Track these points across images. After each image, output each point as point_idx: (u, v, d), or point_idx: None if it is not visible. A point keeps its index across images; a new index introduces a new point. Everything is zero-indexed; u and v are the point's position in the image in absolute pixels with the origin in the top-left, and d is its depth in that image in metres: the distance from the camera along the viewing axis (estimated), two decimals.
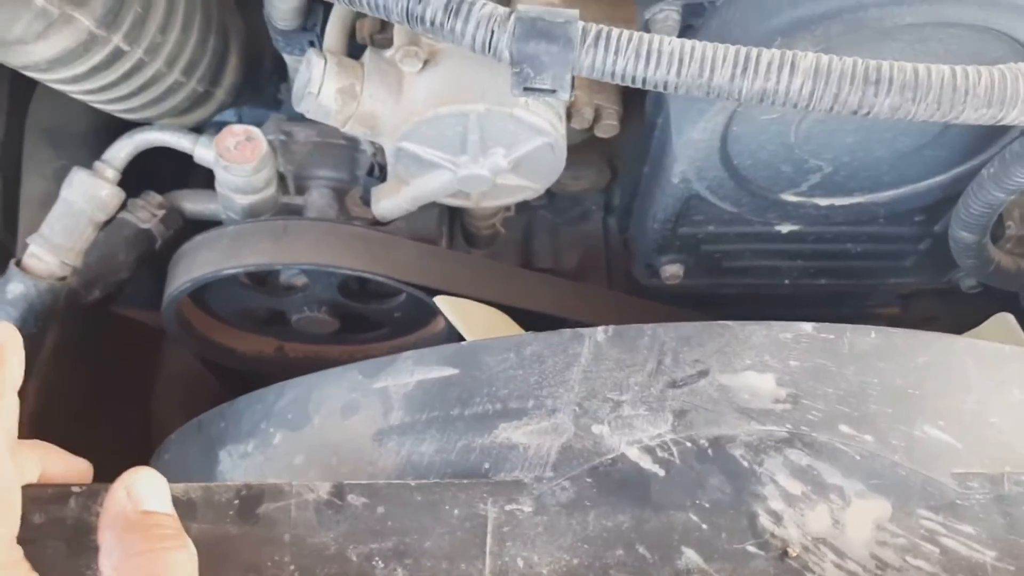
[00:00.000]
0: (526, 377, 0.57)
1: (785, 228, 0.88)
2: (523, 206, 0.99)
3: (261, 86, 0.94)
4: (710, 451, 0.53)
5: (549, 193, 1.01)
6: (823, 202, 0.84)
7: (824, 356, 0.57)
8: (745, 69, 0.55)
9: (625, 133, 0.88)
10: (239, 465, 0.64)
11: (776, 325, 0.58)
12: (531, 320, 0.88)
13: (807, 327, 0.58)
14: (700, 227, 0.88)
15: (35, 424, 0.93)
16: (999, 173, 0.72)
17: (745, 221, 0.86)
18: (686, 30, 0.70)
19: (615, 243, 1.06)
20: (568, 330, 0.58)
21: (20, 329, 0.76)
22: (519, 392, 0.56)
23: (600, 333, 0.58)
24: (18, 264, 0.77)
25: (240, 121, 0.98)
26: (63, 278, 0.78)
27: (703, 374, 0.56)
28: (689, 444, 0.53)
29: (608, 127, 0.82)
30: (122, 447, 1.14)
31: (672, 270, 0.93)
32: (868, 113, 0.55)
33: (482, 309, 0.71)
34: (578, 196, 1.03)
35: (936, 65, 0.54)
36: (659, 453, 0.53)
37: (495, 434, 0.55)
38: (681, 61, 0.55)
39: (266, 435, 0.63)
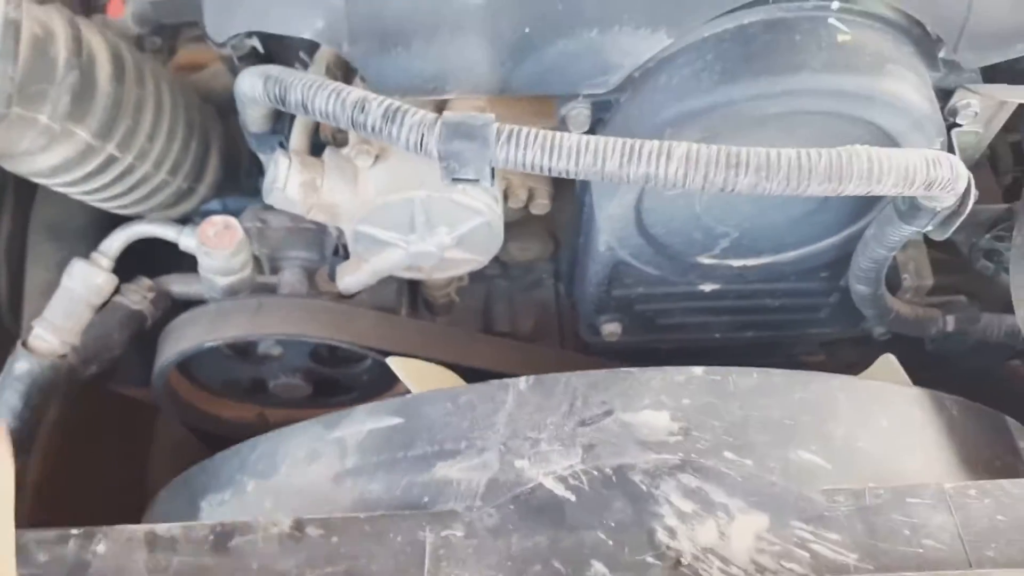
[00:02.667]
0: (460, 422, 0.67)
1: (707, 287, 0.99)
2: (480, 276, 1.10)
3: (240, 180, 1.06)
4: (614, 478, 0.62)
5: (502, 264, 1.12)
6: (736, 263, 0.95)
7: (712, 394, 0.67)
8: (631, 158, 0.66)
9: (563, 208, 1.00)
10: (216, 512, 0.73)
11: (671, 370, 0.68)
12: (478, 377, 0.98)
13: (698, 371, 0.68)
14: (631, 289, 0.99)
15: (38, 493, 1.02)
16: (878, 233, 0.84)
17: (670, 282, 0.97)
18: (597, 123, 0.81)
19: (565, 307, 1.17)
20: (496, 380, 0.69)
21: (24, 403, 0.87)
22: (454, 435, 0.66)
23: (523, 382, 0.68)
24: (24, 344, 0.87)
25: (225, 209, 1.10)
26: (64, 356, 0.88)
27: (608, 413, 0.66)
28: (596, 472, 0.63)
29: (541, 205, 0.94)
30: (118, 512, 1.23)
31: (611, 328, 1.03)
32: (732, 190, 0.66)
33: (431, 368, 0.81)
34: (530, 265, 1.14)
35: (785, 149, 0.65)
36: (571, 481, 0.63)
37: (433, 472, 0.65)
38: (578, 153, 0.67)
39: (240, 484, 0.72)
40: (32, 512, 1.00)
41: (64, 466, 1.11)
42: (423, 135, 0.68)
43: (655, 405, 0.66)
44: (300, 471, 0.70)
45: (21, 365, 0.85)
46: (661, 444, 0.64)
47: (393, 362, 0.80)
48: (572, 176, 0.68)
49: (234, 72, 0.99)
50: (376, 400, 1.09)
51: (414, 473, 0.65)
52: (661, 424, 0.65)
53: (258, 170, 1.07)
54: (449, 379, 0.81)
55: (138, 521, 1.18)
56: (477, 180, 0.70)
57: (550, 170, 0.68)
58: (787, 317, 1.05)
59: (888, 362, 0.86)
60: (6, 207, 1.16)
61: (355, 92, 0.69)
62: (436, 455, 0.66)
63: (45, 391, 0.87)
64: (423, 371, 0.80)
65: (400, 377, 0.77)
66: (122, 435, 1.22)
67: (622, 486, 0.62)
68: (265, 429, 1.10)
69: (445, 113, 0.69)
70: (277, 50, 0.93)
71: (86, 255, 1.16)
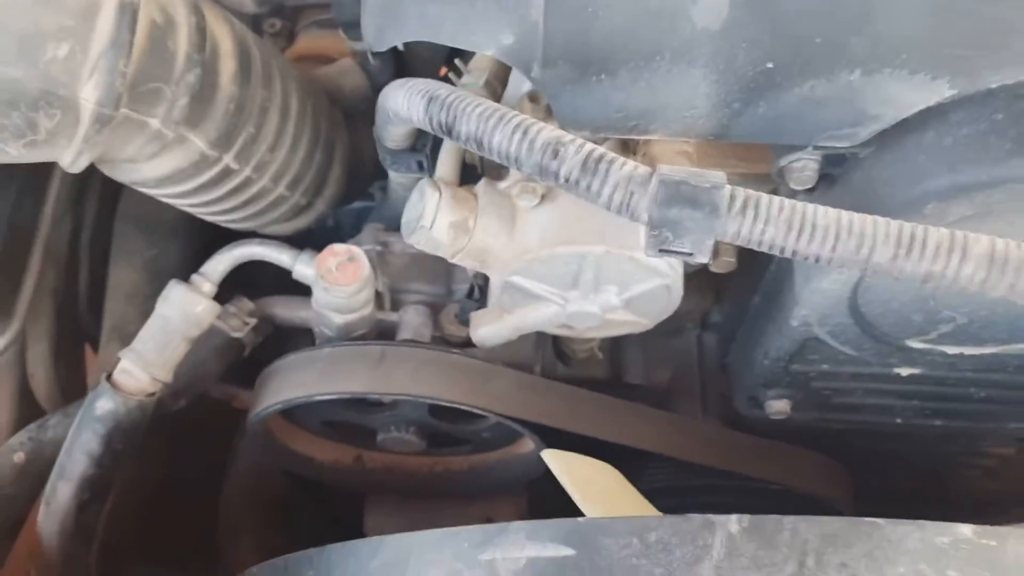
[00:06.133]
0: (651, 568, 0.52)
1: (905, 371, 0.82)
2: None
3: (361, 192, 0.93)
4: None
5: None
6: (951, 350, 0.78)
7: (986, 566, 0.51)
8: (910, 250, 0.50)
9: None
10: None
11: (931, 527, 0.52)
12: (626, 452, 0.84)
13: (966, 530, 0.53)
14: (813, 366, 0.83)
15: (111, 518, 0.90)
16: None
17: (863, 362, 0.81)
18: (823, 178, 0.65)
19: (710, 361, 1.02)
20: (698, 516, 0.54)
21: (105, 447, 0.75)
22: None
23: (734, 523, 0.53)
24: (109, 378, 0.75)
25: (336, 222, 0.97)
26: (153, 394, 0.76)
27: None
28: None
29: (726, 264, 0.78)
30: (190, 535, 1.12)
31: (779, 406, 0.88)
32: None
33: (592, 465, 0.67)
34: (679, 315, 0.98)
35: None
36: None
37: None
38: (837, 236, 0.51)
39: None
40: (103, 547, 0.90)
41: (138, 489, 1.00)
42: (632, 194, 0.53)
43: (912, 575, 0.51)
44: None
45: (104, 404, 0.73)
46: None
47: (549, 457, 0.65)
48: (822, 263, 0.53)
49: (366, 70, 0.85)
50: (490, 454, 0.96)
51: None
52: None
53: (375, 176, 0.93)
54: (616, 483, 0.67)
55: (210, 548, 1.08)
56: (692, 255, 0.54)
57: (794, 253, 0.52)
58: (989, 408, 0.88)
59: None
60: (91, 194, 1.04)
61: (546, 131, 0.54)
62: None
63: (129, 434, 0.75)
64: (586, 470, 0.66)
65: (559, 479, 0.63)
66: (198, 448, 1.10)
67: None
68: (362, 475, 0.99)
69: (661, 168, 0.53)
70: (419, 49, 0.79)
71: (177, 254, 1.04)
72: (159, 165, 0.69)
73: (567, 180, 0.54)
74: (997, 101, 0.58)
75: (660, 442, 0.83)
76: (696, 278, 0.91)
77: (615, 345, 1.00)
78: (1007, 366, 0.80)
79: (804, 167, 0.64)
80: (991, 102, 0.58)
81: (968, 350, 0.78)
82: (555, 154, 0.54)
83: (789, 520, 0.53)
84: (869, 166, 0.63)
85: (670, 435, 0.84)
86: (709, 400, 1.00)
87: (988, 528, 0.53)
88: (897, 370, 0.82)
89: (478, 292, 0.81)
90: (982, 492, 1.09)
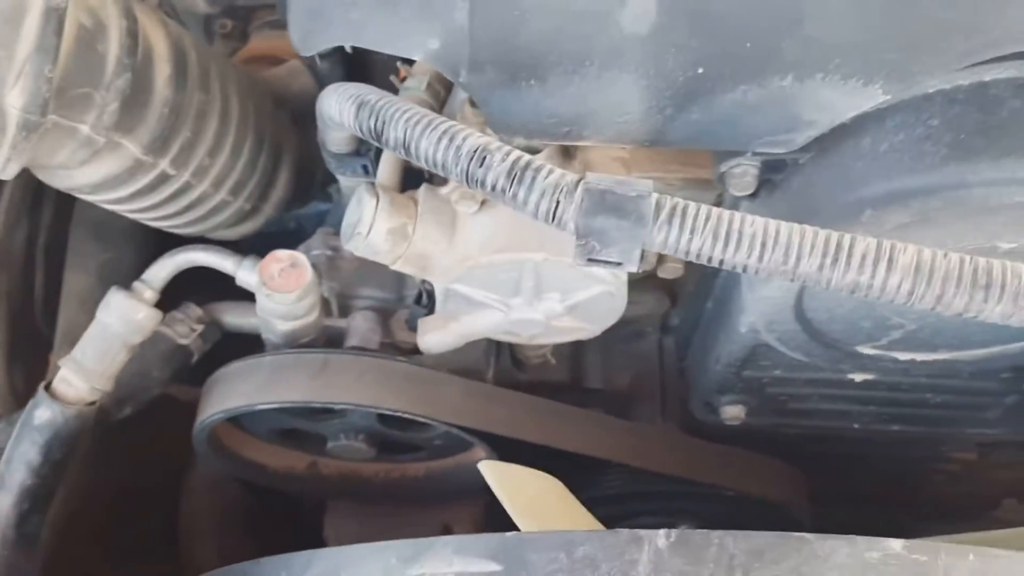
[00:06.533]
0: None
1: (859, 377, 0.81)
2: None
3: (313, 193, 0.91)
4: None
5: None
6: (903, 356, 0.77)
7: None
8: (836, 259, 0.49)
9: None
10: None
11: (861, 542, 0.51)
12: (576, 460, 0.83)
13: (896, 545, 0.52)
14: (766, 371, 0.82)
15: (62, 530, 0.89)
16: None
17: (815, 368, 0.80)
18: (764, 184, 0.64)
19: (670, 365, 1.01)
20: (626, 531, 0.53)
21: (44, 457, 0.74)
22: None
23: (662, 538, 0.52)
24: (47, 388, 0.73)
25: (298, 227, 0.95)
26: (92, 403, 0.75)
27: None
28: None
29: (672, 269, 0.77)
30: (154, 540, 1.11)
31: (733, 412, 0.87)
32: (975, 317, 0.49)
33: (533, 477, 0.66)
34: (635, 319, 0.97)
35: None
36: None
37: None
38: (764, 245, 0.50)
39: None
40: (53, 553, 0.88)
41: (92, 498, 0.99)
42: (558, 203, 0.52)
43: None
44: None
45: (42, 413, 0.72)
46: None
47: (486, 468, 0.64)
48: (749, 272, 0.52)
49: (314, 72, 0.84)
50: (445, 461, 0.95)
51: None
52: None
53: (333, 178, 0.92)
54: (556, 496, 0.66)
55: (171, 559, 1.07)
56: (620, 264, 0.53)
57: (721, 262, 0.51)
58: (946, 414, 0.87)
59: None
60: (47, 200, 1.03)
61: (472, 138, 0.53)
62: None
63: (68, 444, 0.74)
64: (525, 482, 0.65)
65: (495, 491, 0.62)
66: (157, 455, 1.09)
67: None
68: (316, 482, 0.98)
69: (588, 177, 0.52)
70: (367, 52, 0.77)
71: (131, 259, 1.02)
72: (92, 171, 0.67)
73: (493, 188, 0.53)
74: (933, 106, 0.57)
75: (612, 449, 0.82)
76: (651, 281, 0.90)
77: (575, 350, 0.99)
78: (961, 372, 0.80)
79: (744, 173, 0.63)
80: (927, 107, 0.57)
81: (920, 356, 0.78)
82: (481, 161, 0.53)
83: (717, 535, 0.52)
84: (809, 172, 0.62)
85: (622, 441, 0.84)
86: (669, 404, 0.99)
87: (919, 542, 0.52)
88: (851, 376, 0.81)
89: (427, 298, 0.80)
90: (949, 496, 1.09)
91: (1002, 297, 0.47)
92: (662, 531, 0.52)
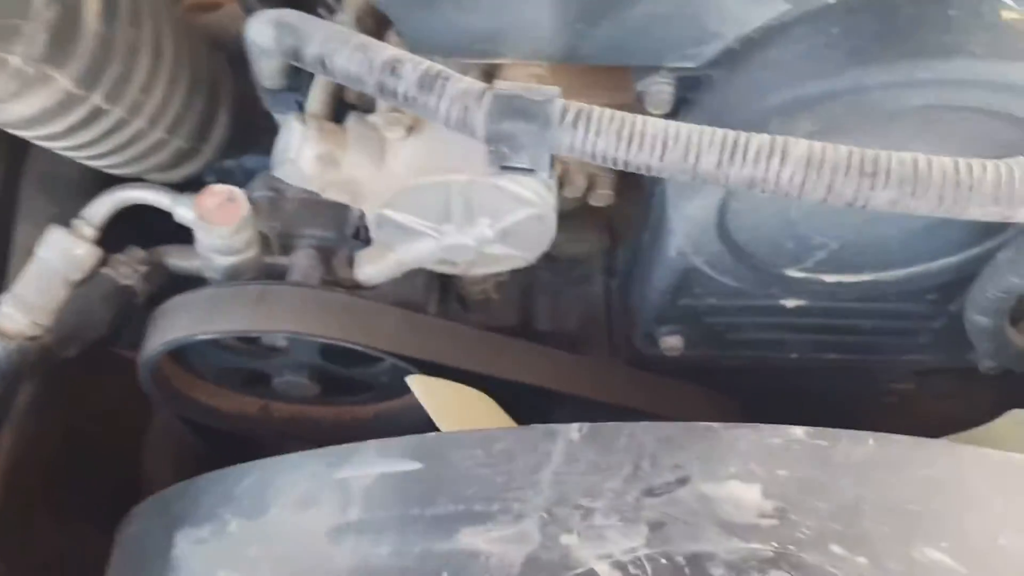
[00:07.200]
0: (493, 477, 0.53)
1: (790, 303, 0.84)
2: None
3: (256, 140, 0.92)
4: (687, 570, 0.49)
5: (549, 255, 0.98)
6: (829, 279, 0.80)
7: (816, 465, 0.53)
8: (733, 155, 0.51)
9: (628, 196, 0.85)
10: (194, 552, 0.60)
11: (765, 429, 0.54)
12: (517, 392, 0.85)
13: (798, 432, 0.54)
14: (700, 299, 0.84)
15: (9, 481, 0.90)
16: (1016, 258, 0.68)
17: (747, 295, 0.82)
18: (681, 103, 0.66)
19: (617, 307, 1.03)
20: (540, 426, 0.55)
21: None
22: (485, 493, 0.53)
23: (574, 431, 0.54)
24: None
25: (242, 170, 0.96)
26: (35, 337, 0.76)
27: (683, 481, 0.52)
28: (664, 561, 0.49)
29: (602, 196, 0.79)
30: (108, 501, 1.12)
31: (672, 342, 0.89)
32: (864, 206, 0.51)
33: (459, 391, 0.68)
34: (580, 258, 0.99)
35: (938, 158, 0.50)
36: (631, 570, 0.49)
37: (457, 539, 0.52)
38: (665, 145, 0.52)
39: (222, 521, 0.60)
40: (4, 503, 0.89)
41: (42, 450, 0.99)
42: (467, 109, 0.53)
43: (744, 475, 0.52)
44: (293, 516, 0.57)
45: None
46: (750, 528, 0.50)
47: (414, 382, 0.66)
48: (653, 173, 0.53)
49: (249, 13, 0.85)
50: (394, 402, 0.97)
51: (432, 538, 0.52)
52: (751, 501, 0.51)
53: (276, 128, 0.93)
54: (483, 408, 0.68)
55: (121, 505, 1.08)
56: (532, 171, 0.55)
57: (626, 164, 0.53)
58: (879, 340, 0.90)
59: (1018, 418, 0.70)
60: None
61: (386, 51, 0.55)
62: (461, 517, 0.52)
63: (9, 378, 0.75)
64: (452, 396, 0.67)
65: (420, 400, 0.64)
66: (114, 411, 1.10)
67: None
68: (269, 424, 0.99)
69: (497, 84, 0.54)
70: None
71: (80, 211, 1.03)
72: (25, 104, 0.68)
73: (406, 98, 0.55)
74: (834, 15, 0.59)
75: (550, 378, 0.84)
76: (591, 219, 0.92)
77: (524, 293, 1.01)
78: (887, 294, 0.82)
79: (660, 91, 0.65)
80: (829, 16, 0.59)
81: (846, 278, 0.80)
82: (392, 71, 0.54)
83: (627, 426, 0.54)
84: (721, 87, 0.64)
85: (560, 370, 0.85)
86: (616, 343, 1.01)
87: (821, 429, 0.54)
88: (782, 301, 0.84)
89: (365, 233, 0.81)
90: (894, 431, 1.11)
91: (888, 183, 0.49)
92: (575, 424, 0.54)
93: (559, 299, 1.02)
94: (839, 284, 0.80)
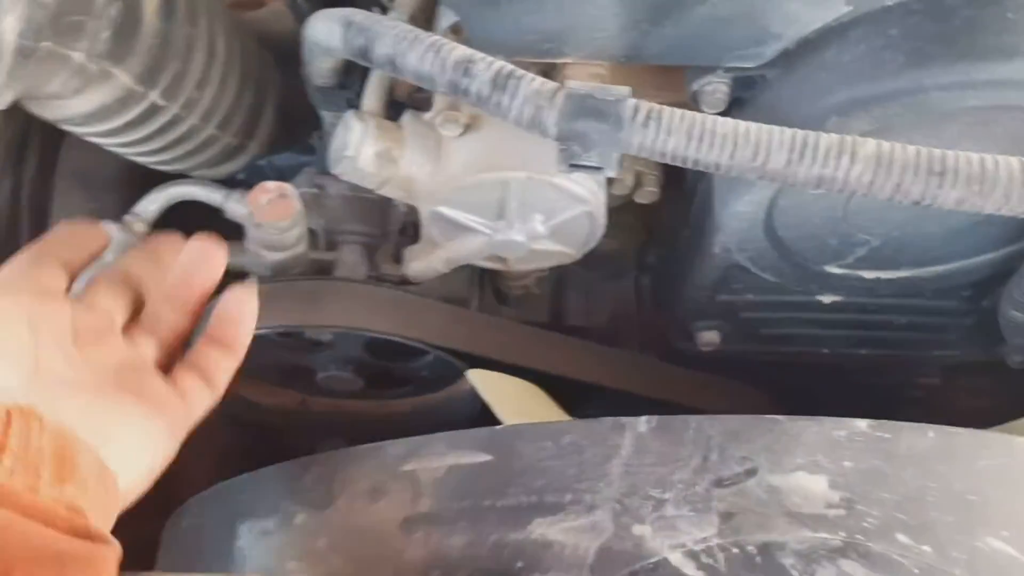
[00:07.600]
0: (564, 468, 0.55)
1: (827, 298, 0.85)
2: None
3: (296, 137, 0.93)
4: (758, 559, 0.50)
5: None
6: (868, 275, 0.81)
7: (880, 457, 0.54)
8: (802, 155, 0.53)
9: (663, 194, 0.86)
10: (259, 543, 0.61)
11: (828, 421, 0.55)
12: (563, 386, 0.86)
13: (862, 424, 0.55)
14: (739, 295, 0.85)
15: None
16: None
17: (786, 290, 0.84)
18: (735, 102, 0.68)
19: (648, 302, 1.04)
20: (609, 419, 0.56)
21: None
22: (556, 484, 0.54)
23: (643, 423, 0.55)
24: None
25: (271, 168, 0.97)
26: None
27: (751, 473, 0.53)
28: (736, 550, 0.50)
29: (648, 193, 0.80)
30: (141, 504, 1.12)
31: (708, 337, 0.90)
32: (931, 204, 0.52)
33: (517, 384, 0.69)
34: (613, 254, 1.00)
35: (1004, 157, 0.51)
36: (704, 559, 0.50)
37: (529, 529, 0.53)
38: (735, 144, 0.53)
39: (288, 513, 0.61)
40: None
41: None
42: (541, 109, 0.54)
43: (810, 467, 0.53)
44: (361, 507, 0.58)
45: None
46: (818, 519, 0.51)
47: (474, 376, 0.67)
48: (722, 172, 0.55)
49: (296, 13, 0.86)
50: (433, 395, 0.98)
51: (505, 528, 0.53)
52: (818, 492, 0.52)
53: (313, 125, 0.94)
54: (540, 401, 0.69)
55: (163, 500, 1.09)
56: (600, 169, 0.56)
57: (696, 162, 0.54)
58: (911, 336, 0.91)
59: None
60: (31, 150, 1.03)
61: (459, 50, 0.56)
62: (534, 508, 0.53)
63: None
64: (511, 388, 0.68)
65: (483, 396, 0.65)
66: None
67: (769, 570, 0.50)
68: (306, 418, 1.00)
69: (569, 83, 0.55)
70: None
71: (117, 208, 1.04)
72: (85, 101, 0.69)
73: (479, 97, 0.55)
74: (892, 17, 0.60)
75: (600, 374, 0.85)
76: (625, 217, 0.93)
77: (556, 289, 1.02)
78: (923, 291, 0.84)
79: (715, 90, 0.66)
80: (887, 18, 0.60)
81: (884, 274, 0.81)
82: (466, 71, 0.55)
83: (694, 419, 0.55)
84: (776, 87, 0.65)
85: (609, 366, 0.87)
86: (647, 338, 1.02)
87: (884, 422, 0.56)
88: (819, 297, 0.85)
89: (412, 230, 0.82)
90: None
91: (956, 183, 0.51)
92: (643, 418, 0.56)
93: (591, 294, 1.04)
94: (877, 280, 0.82)
